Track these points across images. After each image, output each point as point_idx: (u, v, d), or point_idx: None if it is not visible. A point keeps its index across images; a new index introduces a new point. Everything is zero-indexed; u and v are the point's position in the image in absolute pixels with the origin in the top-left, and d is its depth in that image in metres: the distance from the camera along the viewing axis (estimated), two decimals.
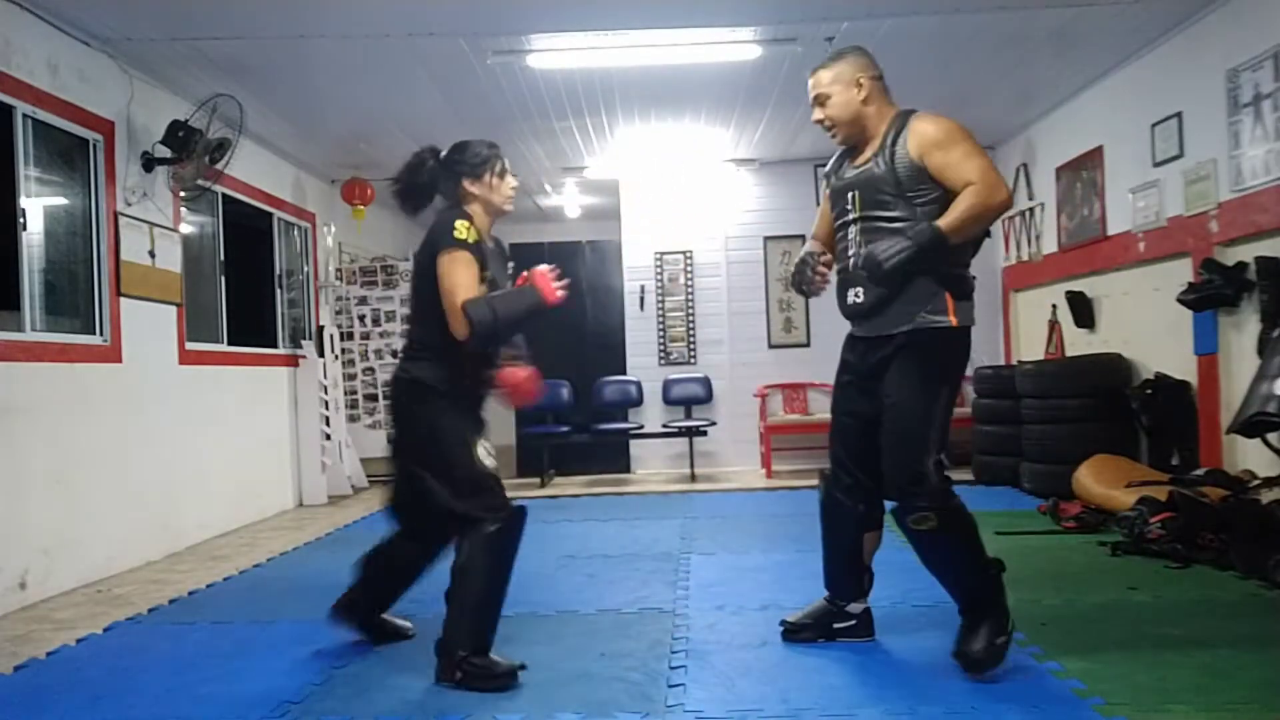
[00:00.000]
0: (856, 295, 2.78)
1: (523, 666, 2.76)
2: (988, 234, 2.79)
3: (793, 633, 3.07)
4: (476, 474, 2.78)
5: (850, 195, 2.79)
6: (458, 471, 2.77)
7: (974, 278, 2.78)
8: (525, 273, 2.97)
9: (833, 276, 2.92)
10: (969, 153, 2.62)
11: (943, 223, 2.59)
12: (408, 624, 3.26)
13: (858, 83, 2.78)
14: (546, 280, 2.87)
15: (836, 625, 3.03)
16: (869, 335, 2.80)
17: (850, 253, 2.80)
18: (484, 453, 2.80)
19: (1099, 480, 4.99)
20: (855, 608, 3.04)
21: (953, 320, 2.68)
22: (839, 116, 2.82)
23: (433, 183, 2.95)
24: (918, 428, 2.68)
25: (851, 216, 2.78)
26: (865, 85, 2.78)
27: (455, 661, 2.70)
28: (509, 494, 2.88)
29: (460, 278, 2.74)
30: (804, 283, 2.96)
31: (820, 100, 2.84)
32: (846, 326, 2.98)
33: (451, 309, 2.73)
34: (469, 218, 2.84)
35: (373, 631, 3.20)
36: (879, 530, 3.01)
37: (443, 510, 2.79)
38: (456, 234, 2.77)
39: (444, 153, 2.97)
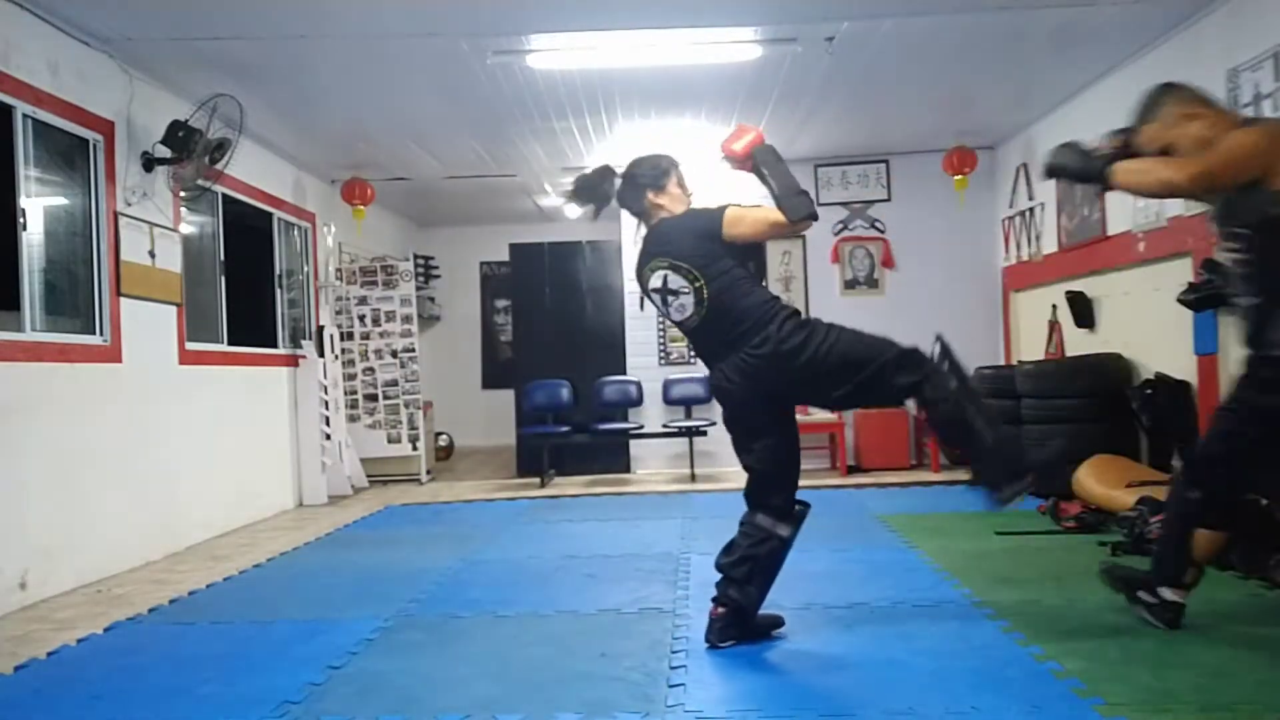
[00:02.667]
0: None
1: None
2: None
3: (1106, 573, 3.18)
4: (881, 342, 2.97)
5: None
6: (865, 354, 2.94)
7: None
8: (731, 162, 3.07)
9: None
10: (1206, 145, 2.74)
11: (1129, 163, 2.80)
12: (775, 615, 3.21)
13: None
14: (742, 140, 2.99)
15: (1140, 594, 3.04)
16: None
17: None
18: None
19: (1099, 480, 4.99)
20: (1166, 593, 2.98)
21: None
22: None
23: (611, 194, 3.17)
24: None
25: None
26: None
27: (1025, 474, 2.82)
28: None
29: (755, 217, 2.94)
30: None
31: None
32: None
33: (782, 227, 2.91)
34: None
35: (755, 635, 3.10)
36: (1221, 537, 3.01)
37: (871, 393, 2.99)
38: (711, 210, 2.99)
39: (622, 169, 3.18)
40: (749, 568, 3.01)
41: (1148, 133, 2.96)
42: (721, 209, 2.96)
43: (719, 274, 2.96)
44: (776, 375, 2.93)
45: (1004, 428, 2.88)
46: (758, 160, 2.94)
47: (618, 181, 3.18)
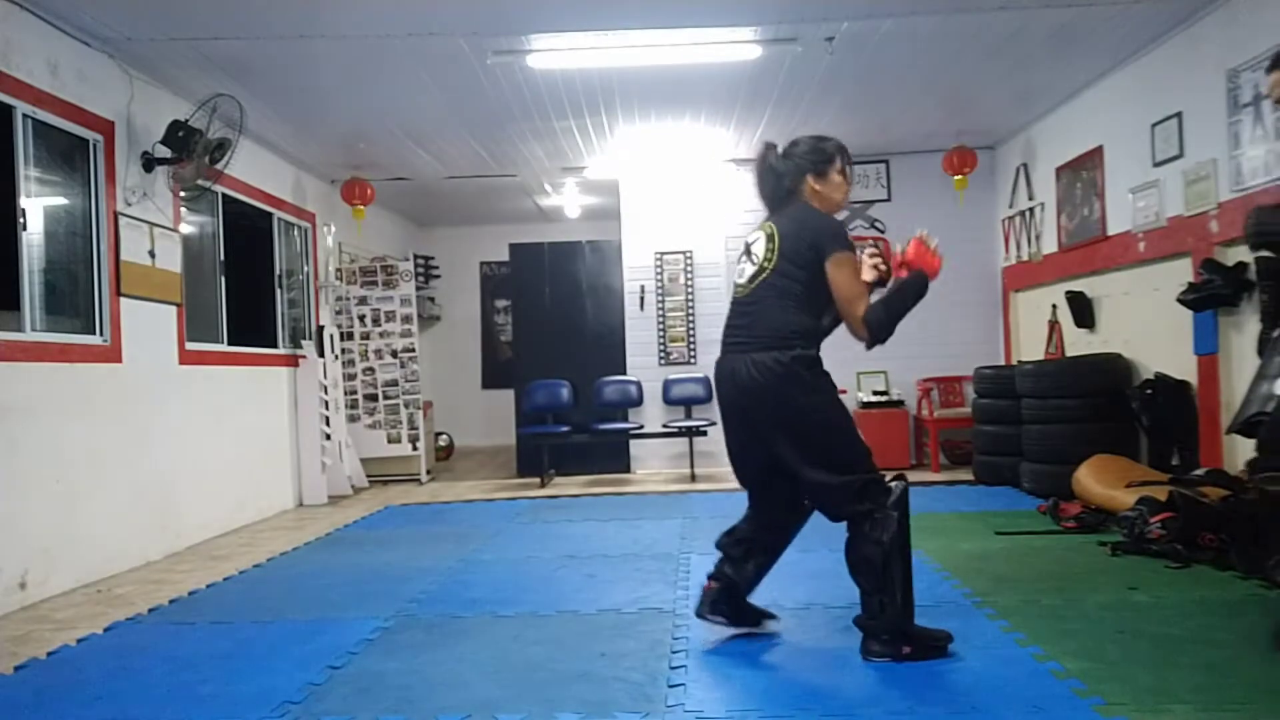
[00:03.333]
0: None
1: (949, 636, 2.85)
2: None
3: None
4: (864, 466, 2.81)
5: None
6: (847, 456, 2.80)
7: None
8: (881, 246, 3.00)
9: None
10: None
11: None
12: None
13: None
14: (925, 255, 2.92)
15: None
16: None
17: None
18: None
19: (1099, 480, 4.99)
20: None
21: None
22: None
23: (783, 176, 2.99)
24: None
25: None
26: None
27: (896, 640, 2.77)
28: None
29: (856, 287, 2.81)
30: None
31: None
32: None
33: (852, 317, 2.80)
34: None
35: (744, 619, 3.16)
36: None
37: (825, 498, 2.83)
38: (849, 238, 2.86)
39: (783, 147, 3.02)
40: (746, 548, 3.05)
41: None
42: (847, 245, 2.83)
43: (784, 275, 2.86)
44: (758, 403, 2.85)
45: (908, 594, 2.79)
46: (909, 281, 2.90)
47: (779, 158, 3.02)
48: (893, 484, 2.81)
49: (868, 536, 2.76)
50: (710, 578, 3.10)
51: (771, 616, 3.20)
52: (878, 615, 2.79)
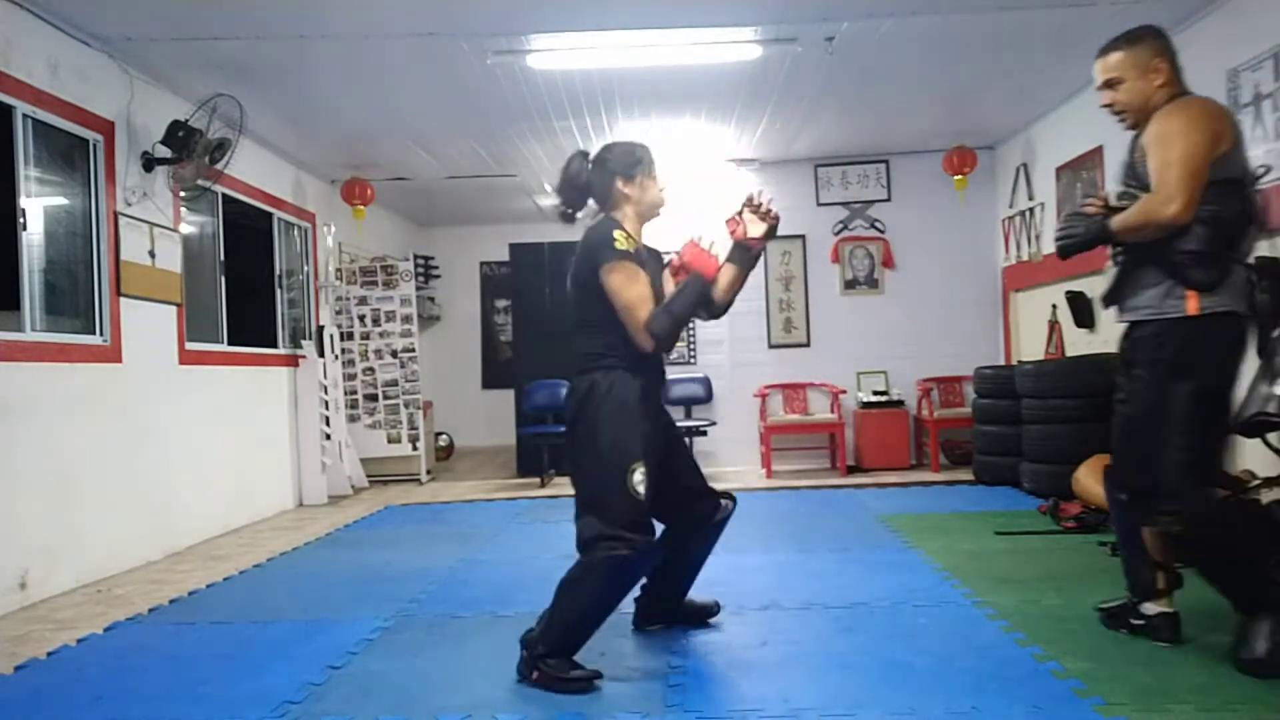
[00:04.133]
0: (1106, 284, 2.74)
1: (598, 675, 2.71)
2: (1250, 220, 2.65)
3: (1104, 619, 3.05)
4: (624, 498, 2.69)
5: (1120, 177, 2.76)
6: (606, 491, 2.71)
7: (1232, 260, 2.58)
8: (676, 257, 2.96)
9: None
10: (1168, 161, 2.51)
11: (1113, 221, 2.60)
12: (709, 601, 3.32)
13: (1155, 69, 2.67)
14: (701, 257, 2.88)
15: (1130, 621, 2.94)
16: (1124, 321, 2.74)
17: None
18: (640, 479, 2.71)
19: (1099, 480, 4.98)
20: (1149, 608, 2.90)
21: (1189, 310, 2.55)
22: (1131, 103, 2.70)
23: (587, 184, 2.94)
24: (1144, 425, 2.60)
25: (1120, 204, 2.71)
26: (1163, 70, 2.67)
27: (535, 661, 2.71)
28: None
29: (633, 292, 2.74)
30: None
31: (1111, 84, 2.72)
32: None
33: (633, 324, 2.75)
34: (622, 226, 2.85)
35: (682, 618, 3.24)
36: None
37: (579, 512, 2.78)
38: (616, 244, 2.76)
39: (594, 153, 2.98)
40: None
41: (1113, 60, 2.75)
42: (616, 252, 2.75)
43: (577, 300, 2.89)
44: (567, 417, 2.90)
45: (572, 637, 2.75)
46: (688, 282, 2.85)
47: (590, 166, 2.96)
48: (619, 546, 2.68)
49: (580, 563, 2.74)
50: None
51: (713, 611, 3.30)
52: (539, 632, 2.77)
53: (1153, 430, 2.61)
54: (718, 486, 3.23)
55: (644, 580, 3.06)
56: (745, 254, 2.96)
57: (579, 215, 3.02)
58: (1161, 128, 2.59)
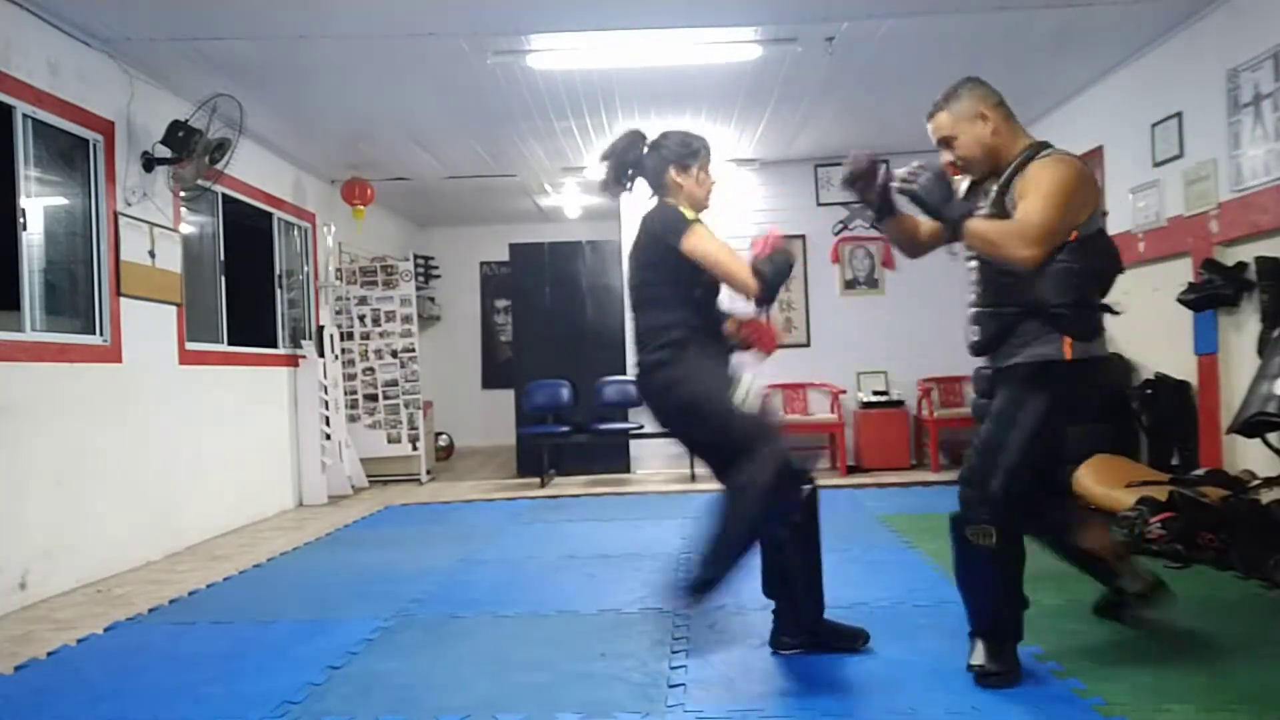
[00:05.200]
0: (974, 334, 2.73)
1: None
2: (1119, 272, 2.78)
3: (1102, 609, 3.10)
4: (744, 421, 2.72)
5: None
6: (727, 432, 2.73)
7: (1099, 315, 2.68)
8: (758, 242, 2.95)
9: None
10: (1044, 208, 2.50)
11: (972, 221, 2.56)
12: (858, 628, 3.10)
13: (981, 115, 2.70)
14: (778, 241, 2.91)
15: (1123, 602, 3.00)
16: (993, 368, 2.74)
17: (971, 291, 2.74)
18: (744, 393, 2.76)
19: (1099, 480, 4.98)
20: (1128, 584, 2.96)
21: (1066, 355, 2.58)
22: (971, 155, 2.72)
23: (638, 164, 2.96)
24: (999, 448, 2.63)
25: (972, 254, 2.69)
26: (990, 116, 2.71)
27: (693, 588, 2.69)
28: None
29: (721, 250, 2.77)
30: (865, 179, 2.75)
31: (947, 142, 2.74)
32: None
33: (733, 274, 2.76)
34: (681, 203, 2.89)
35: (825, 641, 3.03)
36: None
37: (721, 465, 2.81)
38: (688, 215, 2.81)
39: (652, 138, 2.98)
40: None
41: (941, 120, 2.79)
42: (688, 220, 2.80)
43: (643, 281, 2.92)
44: (645, 398, 2.94)
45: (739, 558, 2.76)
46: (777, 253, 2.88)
47: (645, 150, 2.98)
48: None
49: (736, 492, 2.77)
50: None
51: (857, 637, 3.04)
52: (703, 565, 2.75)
53: (997, 441, 2.63)
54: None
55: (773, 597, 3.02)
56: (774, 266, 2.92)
57: (622, 193, 3.03)
58: (1039, 177, 2.59)
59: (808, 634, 2.96)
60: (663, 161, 2.93)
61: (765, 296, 2.81)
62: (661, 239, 2.82)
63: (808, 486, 2.95)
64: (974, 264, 2.72)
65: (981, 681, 2.56)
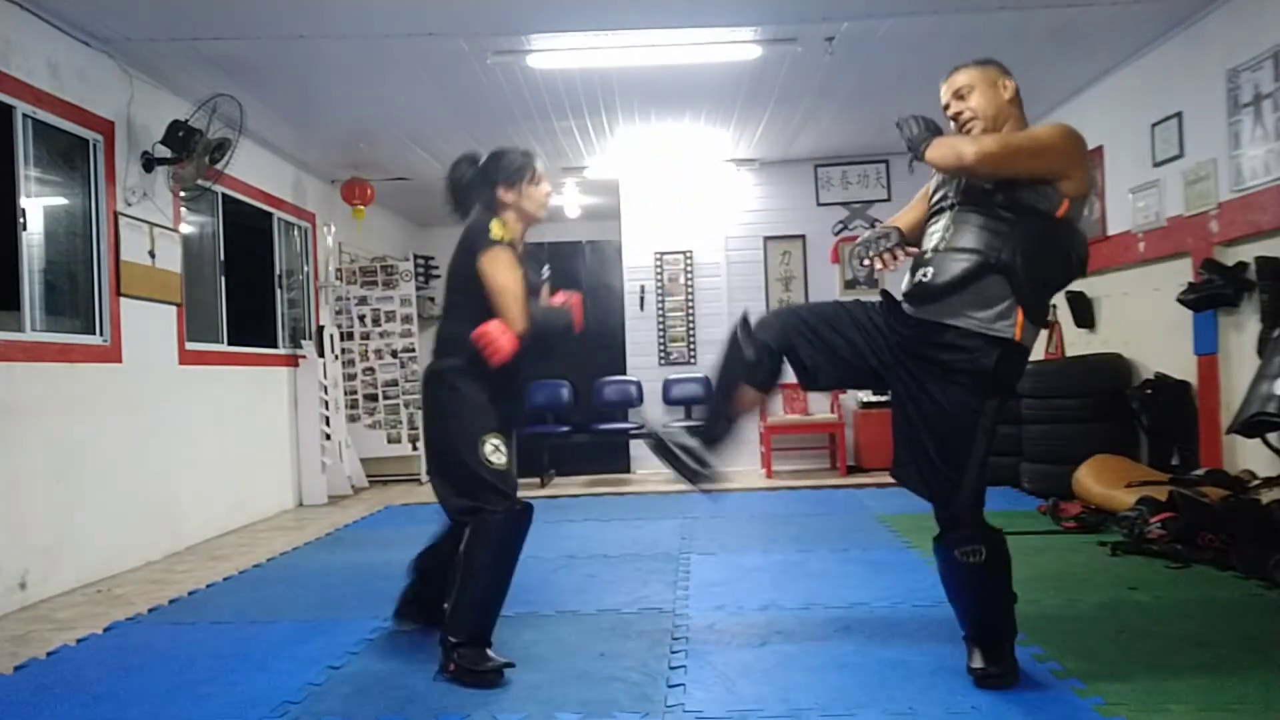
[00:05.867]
0: (924, 275, 2.60)
1: (510, 664, 2.77)
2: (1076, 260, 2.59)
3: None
4: (482, 470, 2.80)
5: (957, 183, 2.64)
6: (464, 467, 2.82)
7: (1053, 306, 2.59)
8: (562, 293, 3.12)
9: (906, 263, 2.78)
10: (1022, 137, 2.50)
11: (933, 143, 2.50)
12: None
13: (1004, 85, 2.67)
14: (579, 309, 3.07)
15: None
16: (924, 318, 2.62)
17: (935, 239, 2.63)
18: (492, 449, 2.83)
19: (1099, 480, 4.99)
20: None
21: (1017, 336, 2.52)
22: (982, 111, 2.63)
23: (470, 188, 3.04)
24: (963, 466, 2.57)
25: (949, 203, 2.64)
26: (1010, 87, 2.67)
27: (450, 652, 2.74)
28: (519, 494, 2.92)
29: (506, 277, 2.83)
30: (875, 253, 2.76)
31: (962, 93, 2.67)
32: None
33: (505, 309, 2.81)
34: (499, 218, 2.93)
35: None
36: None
37: (448, 503, 2.88)
38: (492, 234, 2.86)
39: (482, 160, 3.07)
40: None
41: (966, 74, 2.71)
42: (491, 241, 2.84)
43: (447, 287, 3.01)
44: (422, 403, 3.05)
45: (481, 616, 2.81)
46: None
47: (473, 173, 3.06)
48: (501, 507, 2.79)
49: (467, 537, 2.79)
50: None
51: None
52: (449, 623, 2.79)
53: (952, 443, 2.57)
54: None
55: (413, 576, 3.24)
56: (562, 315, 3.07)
57: (465, 216, 3.08)
58: (1038, 128, 2.59)
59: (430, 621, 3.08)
60: (489, 183, 3.02)
61: (527, 341, 2.84)
62: (465, 249, 2.91)
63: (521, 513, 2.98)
64: (945, 216, 2.63)
65: (983, 684, 2.56)
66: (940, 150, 2.50)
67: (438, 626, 2.96)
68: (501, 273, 2.83)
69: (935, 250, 2.60)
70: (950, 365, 2.56)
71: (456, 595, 2.78)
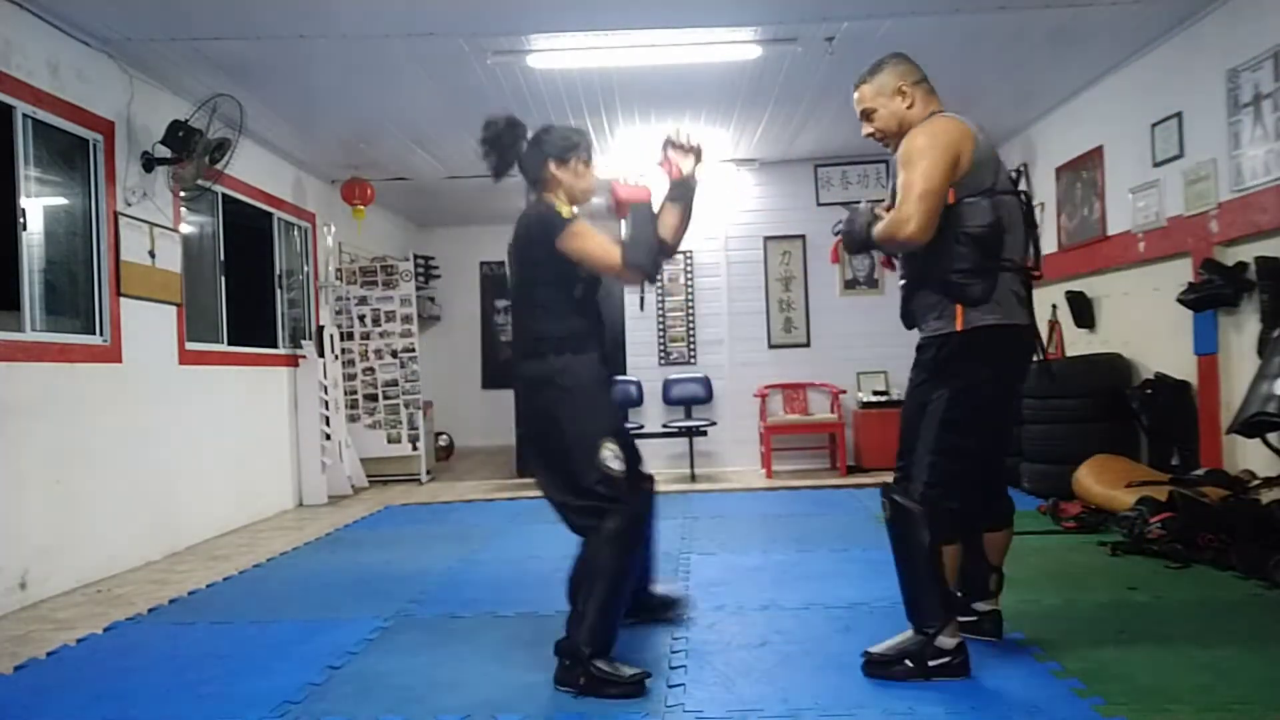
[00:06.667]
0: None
1: (649, 674, 2.66)
2: (1004, 230, 2.65)
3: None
4: (602, 479, 2.70)
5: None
6: (583, 476, 2.71)
7: (993, 277, 2.60)
8: (608, 200, 2.99)
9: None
10: (909, 182, 2.58)
11: (875, 229, 2.70)
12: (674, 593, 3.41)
13: (900, 91, 2.76)
14: (631, 189, 2.92)
15: (962, 619, 2.88)
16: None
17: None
18: (611, 454, 2.73)
19: (1099, 480, 4.99)
20: (982, 606, 2.94)
21: (958, 326, 2.62)
22: (887, 128, 2.81)
23: (515, 155, 2.95)
24: (913, 428, 2.73)
25: None
26: (908, 93, 2.76)
27: (580, 667, 2.62)
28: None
29: (596, 242, 2.78)
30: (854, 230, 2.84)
31: (867, 115, 2.84)
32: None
33: (613, 268, 2.77)
34: (557, 199, 2.89)
35: (648, 610, 3.27)
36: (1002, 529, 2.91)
37: (559, 504, 2.78)
38: (562, 214, 2.82)
39: (531, 132, 2.98)
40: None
41: (863, 92, 2.87)
42: (565, 219, 2.80)
43: (523, 281, 2.91)
44: (521, 407, 2.92)
45: (603, 625, 2.67)
46: (633, 212, 2.88)
47: (525, 143, 2.96)
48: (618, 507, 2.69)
49: (585, 550, 2.72)
50: None
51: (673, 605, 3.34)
52: (567, 634, 2.70)
53: (914, 430, 2.72)
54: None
55: None
56: (685, 189, 2.99)
57: (503, 179, 3.02)
58: (904, 149, 2.68)
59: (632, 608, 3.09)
60: (542, 155, 2.93)
61: (650, 278, 2.84)
62: (540, 240, 2.82)
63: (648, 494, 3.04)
64: None
65: (867, 670, 2.65)
66: (882, 239, 2.70)
67: (648, 618, 3.07)
68: (589, 242, 2.77)
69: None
70: (918, 364, 2.77)
71: (584, 604, 2.65)
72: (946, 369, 2.66)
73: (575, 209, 2.87)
